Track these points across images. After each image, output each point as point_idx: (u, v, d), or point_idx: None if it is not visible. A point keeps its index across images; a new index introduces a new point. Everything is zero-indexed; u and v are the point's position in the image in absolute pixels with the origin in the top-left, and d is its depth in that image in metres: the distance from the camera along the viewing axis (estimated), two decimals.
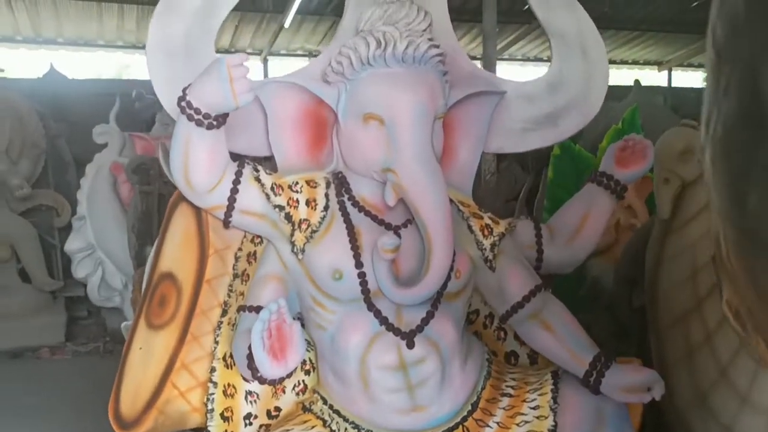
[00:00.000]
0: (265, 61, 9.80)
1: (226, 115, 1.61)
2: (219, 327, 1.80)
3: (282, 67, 10.53)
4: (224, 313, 1.81)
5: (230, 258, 1.84)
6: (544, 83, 1.99)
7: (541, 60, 11.17)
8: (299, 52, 10.17)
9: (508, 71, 11.04)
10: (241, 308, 1.76)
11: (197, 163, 1.65)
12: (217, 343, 1.79)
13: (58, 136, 6.50)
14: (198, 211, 1.81)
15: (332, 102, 1.77)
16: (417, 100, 1.67)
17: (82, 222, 5.95)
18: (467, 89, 1.85)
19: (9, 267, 5.80)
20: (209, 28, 1.83)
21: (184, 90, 1.60)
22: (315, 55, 10.06)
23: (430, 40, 1.73)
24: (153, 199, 4.40)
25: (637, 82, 6.34)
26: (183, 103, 1.59)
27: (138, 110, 7.27)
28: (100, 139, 6.13)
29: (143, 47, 6.67)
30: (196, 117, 1.58)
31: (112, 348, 5.53)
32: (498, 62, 6.13)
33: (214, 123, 1.60)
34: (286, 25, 8.25)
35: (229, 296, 1.82)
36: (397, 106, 1.66)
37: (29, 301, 5.69)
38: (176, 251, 1.83)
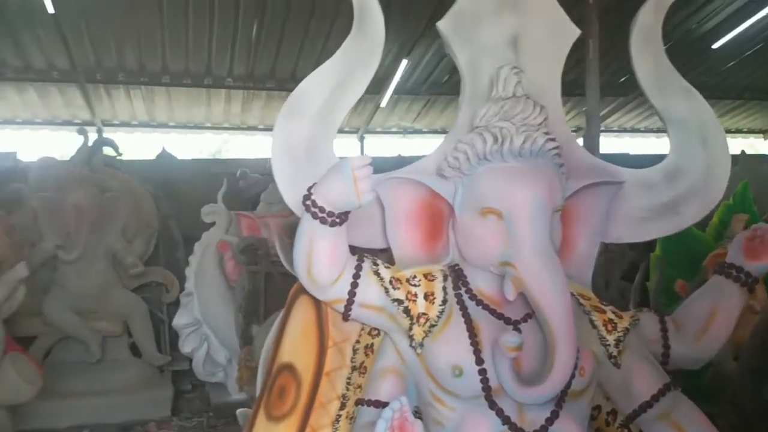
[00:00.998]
0: (361, 139, 10.09)
1: (347, 213, 1.66)
2: (338, 420, 1.80)
3: (377, 143, 10.82)
4: (342, 406, 1.82)
5: (348, 350, 1.86)
6: (663, 172, 1.95)
7: (637, 131, 10.99)
8: (393, 129, 10.42)
9: (604, 143, 10.93)
10: (359, 402, 1.76)
11: (320, 258, 1.70)
12: None
13: (169, 216, 6.84)
14: (318, 303, 1.84)
15: (449, 196, 1.79)
16: (535, 194, 1.67)
17: (189, 298, 6.18)
18: (584, 180, 1.83)
19: (121, 341, 6.07)
20: (330, 128, 1.90)
21: (309, 189, 1.66)
22: (409, 132, 10.30)
23: (546, 134, 1.74)
24: (260, 279, 4.52)
25: (743, 152, 6.13)
26: (308, 202, 1.64)
27: (242, 189, 7.59)
28: (208, 219, 6.42)
29: (247, 128, 7.06)
30: (320, 215, 1.63)
31: (215, 423, 5.63)
32: None
33: (337, 221, 1.64)
34: (383, 104, 8.50)
35: (347, 389, 1.83)
36: (515, 200, 1.67)
37: (138, 375, 5.90)
38: (296, 343, 1.87)
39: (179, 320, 6.10)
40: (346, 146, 10.61)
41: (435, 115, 9.88)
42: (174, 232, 6.92)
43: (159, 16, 6.63)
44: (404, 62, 7.72)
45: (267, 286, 4.49)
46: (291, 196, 1.86)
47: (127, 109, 9.00)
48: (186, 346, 6.09)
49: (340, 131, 9.57)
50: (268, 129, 10.14)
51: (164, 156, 8.01)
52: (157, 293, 6.55)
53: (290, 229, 5.08)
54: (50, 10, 5.98)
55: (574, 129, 7.62)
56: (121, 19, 6.63)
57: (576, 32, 1.93)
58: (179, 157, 8.49)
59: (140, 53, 7.44)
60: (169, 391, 5.83)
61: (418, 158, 1.89)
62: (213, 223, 6.47)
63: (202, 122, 9.74)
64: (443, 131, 10.67)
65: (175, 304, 6.52)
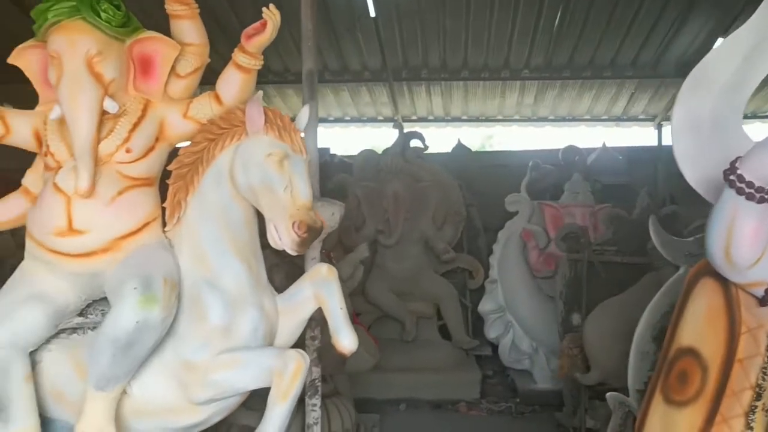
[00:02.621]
0: (659, 127, 9.48)
1: None
2: (752, 412, 1.70)
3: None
4: (758, 396, 1.71)
5: (763, 338, 1.74)
6: None
7: None
8: None
9: None
10: None
11: (741, 238, 1.61)
12: (750, 429, 1.69)
13: (471, 205, 7.06)
14: (726, 287, 1.75)
15: None
16: None
17: (494, 285, 6.33)
18: None
19: (431, 323, 6.42)
20: (738, 101, 1.79)
21: (733, 163, 1.57)
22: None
23: None
24: (581, 267, 4.47)
25: None
26: (733, 177, 1.56)
27: (534, 179, 7.57)
28: (511, 208, 6.53)
29: (537, 119, 6.94)
30: (747, 191, 1.54)
31: (523, 410, 5.70)
32: None
33: (766, 197, 1.54)
34: None
35: (763, 379, 1.71)
36: None
37: (448, 357, 6.17)
38: (700, 327, 1.80)
39: (484, 306, 6.29)
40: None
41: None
42: (475, 220, 7.14)
43: (465, 16, 6.85)
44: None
45: (589, 275, 4.41)
46: (693, 173, 1.79)
47: (425, 105, 9.46)
48: (491, 332, 6.27)
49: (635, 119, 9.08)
50: (559, 120, 10.01)
51: (460, 148, 8.29)
52: (462, 279, 6.80)
53: (610, 219, 4.96)
54: (372, 14, 6.49)
55: None
56: (430, 21, 6.97)
57: None
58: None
59: (443, 51, 7.75)
60: (477, 374, 6.02)
61: None
62: (513, 213, 6.58)
63: (493, 115, 9.89)
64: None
65: (477, 291, 6.74)
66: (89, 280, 2.32)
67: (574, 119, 9.99)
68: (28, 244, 2.36)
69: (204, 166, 2.36)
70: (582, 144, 7.39)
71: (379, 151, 7.08)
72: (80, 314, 2.41)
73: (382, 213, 6.27)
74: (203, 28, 2.51)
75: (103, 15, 2.26)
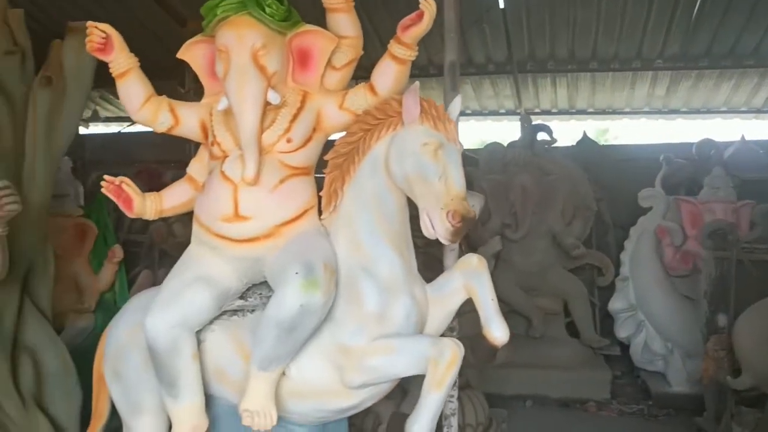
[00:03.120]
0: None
1: None
2: None
3: None
4: None
5: None
6: None
7: None
8: None
9: None
10: None
11: None
12: None
13: (601, 200, 6.85)
14: None
15: None
16: None
17: (625, 283, 6.12)
18: None
19: (558, 320, 6.29)
20: None
21: None
22: None
23: None
24: (729, 266, 4.23)
25: None
26: None
27: (666, 175, 7.24)
28: (645, 203, 6.28)
29: (668, 112, 6.59)
30: None
31: (656, 413, 5.49)
32: None
33: None
34: None
35: None
36: None
37: (576, 355, 6.04)
38: None
39: (615, 304, 6.10)
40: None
41: None
42: (605, 215, 6.93)
43: (597, 5, 6.63)
44: None
45: (738, 274, 4.18)
46: None
47: (549, 97, 9.26)
48: (621, 331, 6.06)
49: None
50: (693, 112, 9.53)
51: (585, 141, 8.05)
52: (590, 276, 6.63)
53: (762, 215, 4.68)
54: (501, 5, 6.42)
55: None
56: (560, 11, 6.79)
57: None
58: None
59: (572, 42, 7.54)
60: (608, 374, 5.86)
61: None
62: (648, 208, 6.32)
63: (621, 107, 9.55)
64: None
65: (606, 289, 6.54)
66: (251, 265, 2.42)
67: (709, 111, 9.49)
68: (196, 229, 2.49)
69: (360, 156, 2.40)
70: (716, 138, 7.02)
71: (504, 145, 6.98)
72: (240, 297, 2.52)
73: (508, 207, 6.19)
74: (358, 20, 2.56)
75: (267, 10, 2.34)
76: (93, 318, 4.39)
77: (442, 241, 2.29)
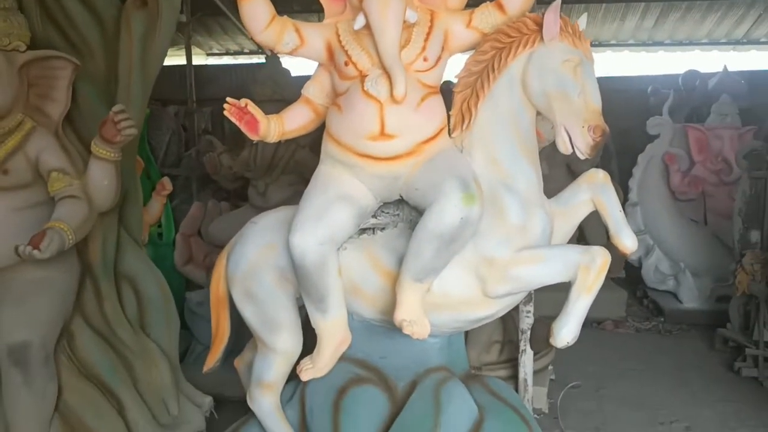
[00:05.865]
0: None
1: None
2: None
3: None
4: None
5: None
6: None
7: None
8: None
9: None
10: None
11: None
12: None
13: None
14: None
15: None
16: None
17: (634, 208, 6.39)
18: None
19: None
20: None
21: None
22: None
23: None
24: (763, 185, 4.47)
25: None
26: None
27: (652, 105, 7.47)
28: (653, 131, 6.50)
29: (652, 44, 6.68)
30: None
31: (670, 329, 5.81)
32: None
33: None
34: None
35: None
36: None
37: None
38: None
39: None
40: None
41: None
42: (609, 144, 7.11)
43: None
44: None
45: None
46: None
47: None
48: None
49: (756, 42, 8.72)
50: (676, 44, 9.75)
51: None
52: None
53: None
54: None
55: None
56: None
57: None
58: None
59: None
60: (623, 294, 6.12)
61: None
62: (655, 136, 6.55)
63: (607, 39, 9.70)
64: None
65: None
66: (389, 183, 2.46)
67: (691, 43, 9.73)
68: (332, 149, 2.49)
69: (495, 74, 2.44)
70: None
71: None
72: (372, 216, 2.58)
73: None
74: None
75: None
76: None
77: (581, 155, 2.37)
